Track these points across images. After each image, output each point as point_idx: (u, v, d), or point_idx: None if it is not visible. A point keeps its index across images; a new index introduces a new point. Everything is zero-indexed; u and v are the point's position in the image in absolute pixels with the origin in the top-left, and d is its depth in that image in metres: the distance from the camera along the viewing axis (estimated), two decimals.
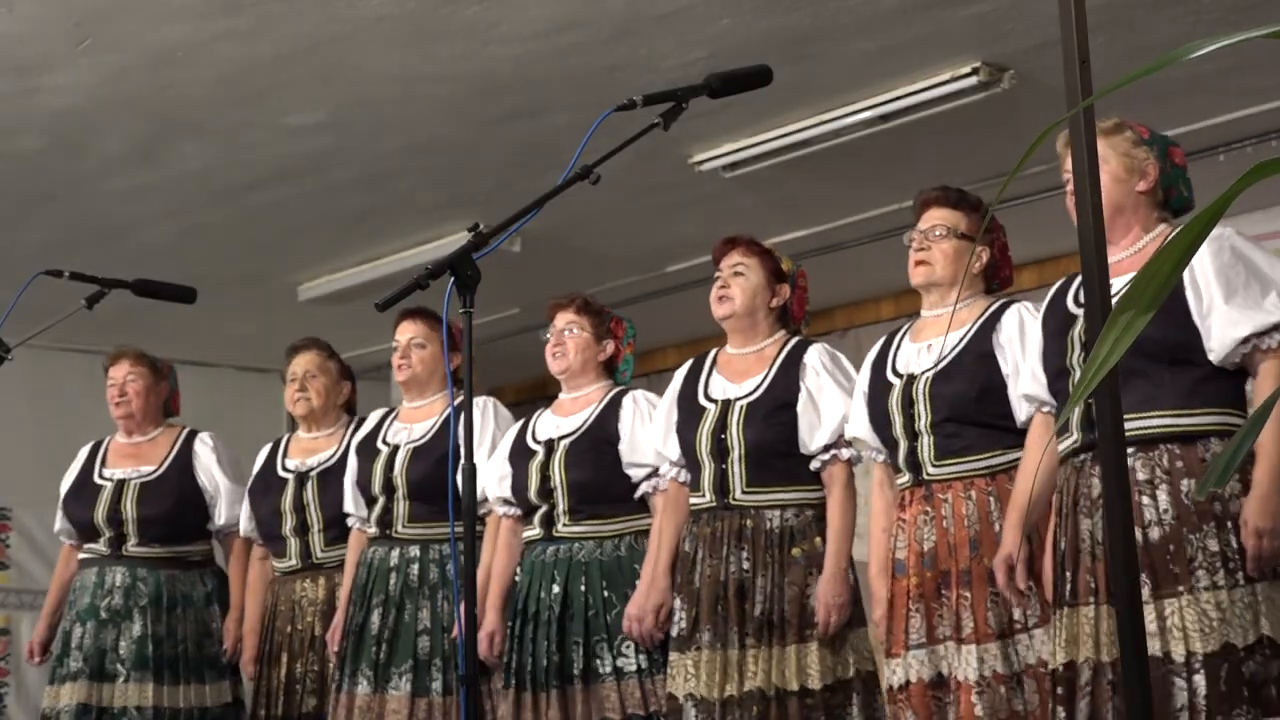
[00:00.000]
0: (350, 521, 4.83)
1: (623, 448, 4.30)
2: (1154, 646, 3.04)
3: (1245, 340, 3.13)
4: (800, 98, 5.08)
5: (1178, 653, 3.03)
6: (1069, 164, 2.77)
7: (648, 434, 4.26)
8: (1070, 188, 3.15)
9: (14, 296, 3.99)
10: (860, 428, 3.86)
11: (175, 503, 5.09)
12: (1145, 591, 3.07)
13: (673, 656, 4.02)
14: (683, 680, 3.95)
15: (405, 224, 6.26)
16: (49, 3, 4.35)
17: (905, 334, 3.87)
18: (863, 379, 3.90)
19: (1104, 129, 3.33)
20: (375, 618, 4.55)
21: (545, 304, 4.57)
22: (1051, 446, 3.37)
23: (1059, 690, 3.20)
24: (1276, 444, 3.05)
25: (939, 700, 3.56)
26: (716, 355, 4.24)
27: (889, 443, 3.78)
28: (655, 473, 4.26)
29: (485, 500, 4.50)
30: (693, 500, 4.10)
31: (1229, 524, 3.07)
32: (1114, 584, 2.25)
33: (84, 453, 5.30)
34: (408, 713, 4.45)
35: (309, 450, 5.07)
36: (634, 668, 4.16)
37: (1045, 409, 3.47)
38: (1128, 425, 3.10)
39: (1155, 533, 3.12)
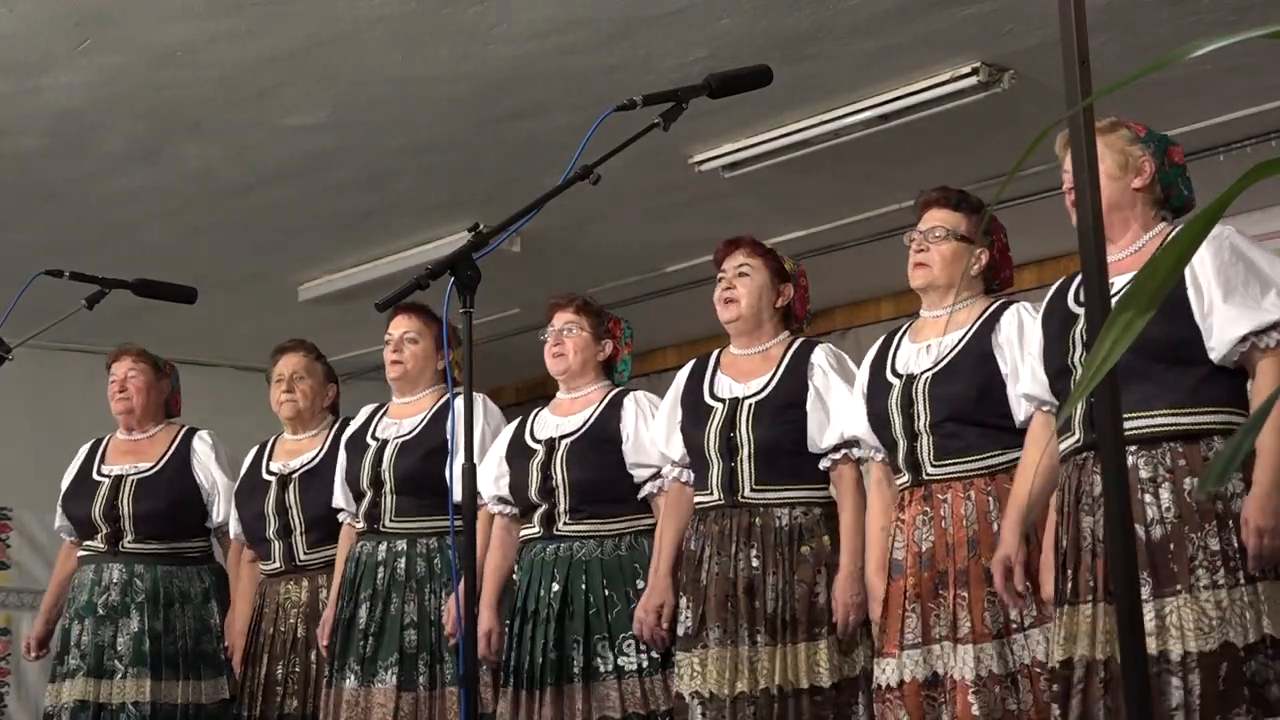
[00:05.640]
0: (341, 517, 4.82)
1: (627, 448, 4.30)
2: (1150, 646, 3.02)
3: (1243, 339, 3.13)
4: (800, 98, 5.08)
5: (1175, 652, 3.03)
6: (1069, 164, 2.77)
7: (651, 434, 4.27)
8: (1068, 187, 3.15)
9: (14, 296, 4.00)
10: (859, 427, 3.87)
11: (172, 499, 5.09)
12: (1145, 590, 3.07)
13: (678, 655, 4.02)
14: (689, 678, 3.96)
15: (405, 224, 6.25)
16: (49, 3, 4.34)
17: (904, 334, 3.88)
18: (861, 378, 3.91)
19: (1099, 127, 3.30)
20: (363, 612, 4.55)
21: (545, 304, 4.57)
22: (1052, 446, 3.36)
23: (1055, 688, 3.21)
24: (1277, 442, 3.05)
25: (932, 700, 3.56)
26: (720, 356, 4.24)
27: (888, 443, 3.78)
28: (659, 474, 4.26)
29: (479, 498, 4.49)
30: (700, 498, 4.10)
31: (1230, 523, 3.07)
32: (1113, 583, 2.24)
33: (84, 450, 5.31)
34: (394, 706, 4.44)
35: (293, 452, 5.07)
36: (635, 666, 4.15)
37: (1045, 408, 3.47)
38: (1130, 424, 3.11)
39: (1157, 531, 3.12)
